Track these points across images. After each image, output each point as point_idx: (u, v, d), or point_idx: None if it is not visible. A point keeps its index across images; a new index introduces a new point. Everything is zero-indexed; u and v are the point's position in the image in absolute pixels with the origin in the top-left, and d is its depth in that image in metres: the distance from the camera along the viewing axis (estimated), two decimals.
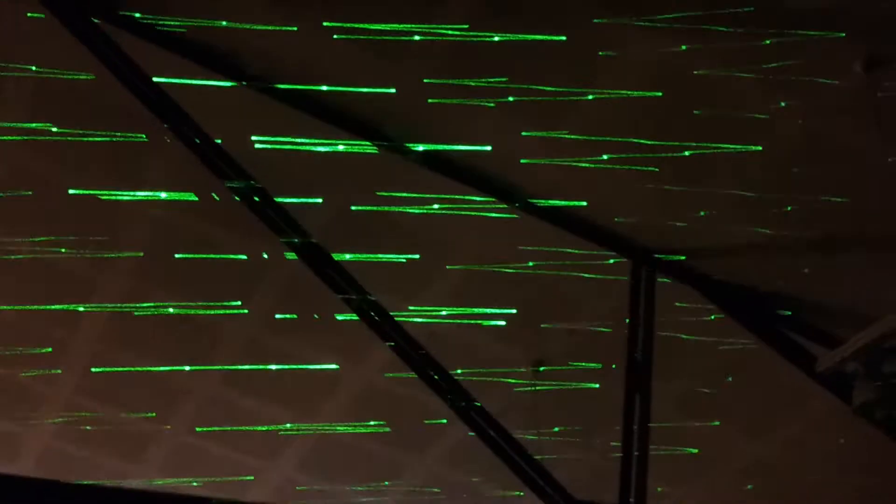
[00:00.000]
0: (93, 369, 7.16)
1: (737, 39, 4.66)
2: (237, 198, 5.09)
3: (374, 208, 5.80)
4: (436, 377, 5.08)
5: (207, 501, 4.17)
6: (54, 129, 5.54)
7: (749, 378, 6.48)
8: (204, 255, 6.24)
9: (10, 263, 6.46)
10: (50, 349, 7.02)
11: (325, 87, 5.23)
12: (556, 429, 6.83)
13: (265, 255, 5.98)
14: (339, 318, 6.04)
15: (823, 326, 6.06)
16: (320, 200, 5.68)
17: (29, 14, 5.04)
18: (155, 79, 5.00)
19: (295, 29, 4.97)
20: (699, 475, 7.33)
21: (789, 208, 5.43)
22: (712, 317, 6.04)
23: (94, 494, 4.11)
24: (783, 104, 4.92)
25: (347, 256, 5.57)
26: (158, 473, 7.92)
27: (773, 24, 4.61)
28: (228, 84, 5.16)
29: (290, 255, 5.47)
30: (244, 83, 5.15)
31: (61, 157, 5.80)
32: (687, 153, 5.22)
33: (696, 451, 7.09)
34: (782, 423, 6.82)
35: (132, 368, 7.10)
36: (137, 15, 5.04)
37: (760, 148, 5.15)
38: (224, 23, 4.97)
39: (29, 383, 7.32)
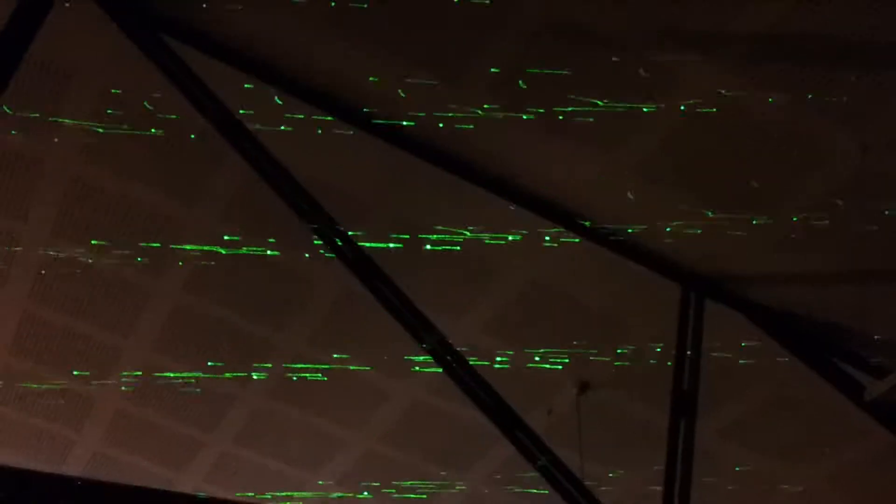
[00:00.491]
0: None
1: (796, 72, 4.68)
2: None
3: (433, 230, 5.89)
4: (482, 395, 5.09)
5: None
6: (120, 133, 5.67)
7: (797, 407, 6.45)
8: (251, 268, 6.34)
9: (68, 272, 6.62)
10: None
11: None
12: (601, 452, 6.82)
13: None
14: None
15: (873, 356, 6.02)
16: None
17: (96, 27, 5.16)
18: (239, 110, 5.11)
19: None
20: None
21: (840, 237, 5.43)
22: (760, 343, 6.02)
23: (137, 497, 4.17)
24: (841, 137, 4.92)
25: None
26: (203, 482, 8.00)
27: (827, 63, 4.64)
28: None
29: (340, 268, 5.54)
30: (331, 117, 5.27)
31: (122, 169, 5.94)
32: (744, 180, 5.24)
33: (740, 480, 7.05)
34: (830, 454, 6.76)
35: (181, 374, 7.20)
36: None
37: (812, 178, 5.16)
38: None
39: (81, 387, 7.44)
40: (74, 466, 7.99)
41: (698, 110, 4.96)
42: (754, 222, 5.44)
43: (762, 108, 4.90)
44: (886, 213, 5.19)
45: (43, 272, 6.65)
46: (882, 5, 4.38)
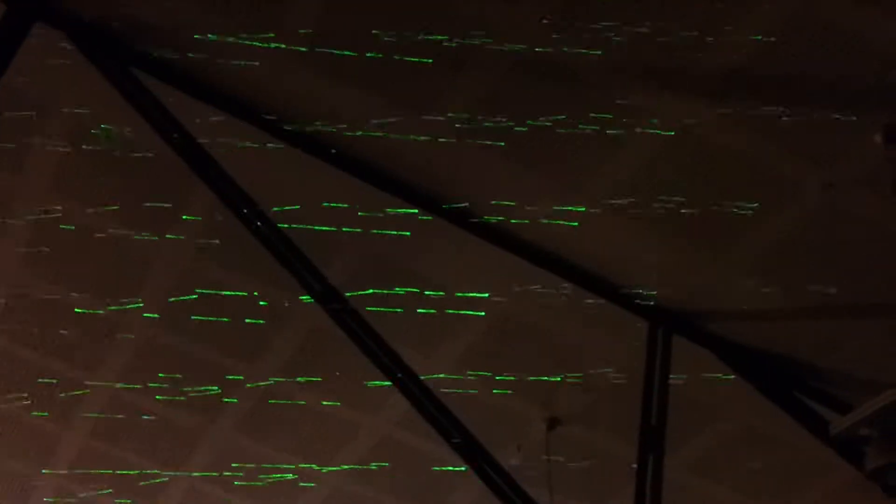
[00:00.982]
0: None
1: (765, 111, 4.76)
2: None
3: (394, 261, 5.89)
4: (451, 430, 5.09)
5: None
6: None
7: (764, 442, 6.47)
8: (222, 302, 6.32)
9: (34, 306, 6.58)
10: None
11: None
12: (570, 487, 6.82)
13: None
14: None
15: (839, 392, 6.07)
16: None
17: (68, 60, 5.17)
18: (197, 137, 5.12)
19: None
20: None
21: (806, 274, 5.48)
22: (727, 378, 6.05)
23: None
24: (807, 173, 4.99)
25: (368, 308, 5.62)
26: None
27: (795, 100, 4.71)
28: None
29: (307, 300, 5.54)
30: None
31: (91, 200, 5.92)
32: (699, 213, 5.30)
33: None
34: (797, 491, 6.79)
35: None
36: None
37: (778, 213, 5.22)
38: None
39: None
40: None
41: (667, 145, 5.01)
42: (721, 257, 5.49)
43: (730, 144, 4.96)
44: (850, 248, 5.25)
45: (6, 304, 6.60)
46: (849, 48, 4.46)
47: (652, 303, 5.88)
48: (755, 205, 5.20)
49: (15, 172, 5.83)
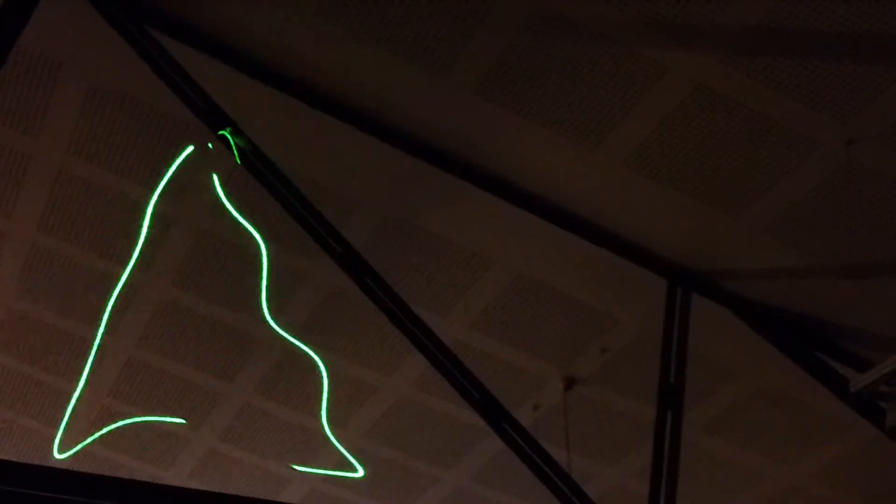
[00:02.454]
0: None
1: (784, 66, 4.70)
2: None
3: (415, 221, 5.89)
4: (470, 390, 5.09)
5: (245, 500, 4.22)
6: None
7: (782, 401, 6.48)
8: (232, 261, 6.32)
9: (54, 269, 6.60)
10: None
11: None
12: (587, 446, 6.85)
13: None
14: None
15: (858, 350, 6.07)
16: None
17: (81, 19, 5.15)
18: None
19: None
20: (728, 498, 7.32)
21: (826, 232, 5.46)
22: (746, 338, 6.05)
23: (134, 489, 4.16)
24: (827, 130, 4.96)
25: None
26: (188, 480, 7.98)
27: (815, 55, 4.66)
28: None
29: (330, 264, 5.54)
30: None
31: (108, 164, 5.92)
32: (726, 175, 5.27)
33: (726, 473, 7.09)
34: (815, 448, 6.80)
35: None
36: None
37: (798, 171, 5.19)
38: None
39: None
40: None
41: (685, 102, 4.97)
42: (740, 216, 5.46)
43: (749, 101, 4.92)
44: (871, 206, 5.22)
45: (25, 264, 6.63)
46: (870, 1, 4.41)
47: (671, 261, 5.86)
48: (775, 163, 5.17)
49: (32, 134, 5.81)
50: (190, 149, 5.33)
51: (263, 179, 5.14)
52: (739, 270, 5.88)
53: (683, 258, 5.84)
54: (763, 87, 4.83)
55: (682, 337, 5.80)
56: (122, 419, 7.68)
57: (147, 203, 5.68)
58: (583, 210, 5.73)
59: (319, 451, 7.57)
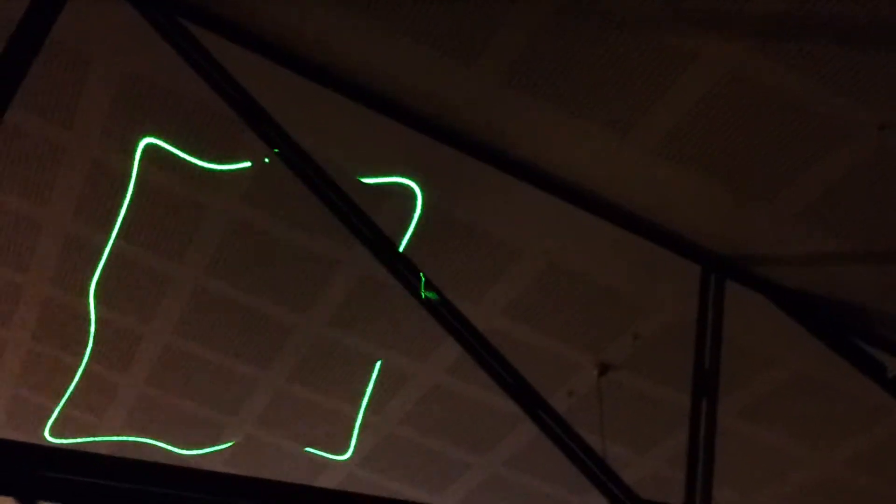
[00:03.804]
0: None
1: (815, 51, 4.66)
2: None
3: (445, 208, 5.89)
4: (504, 376, 5.10)
5: (278, 484, 4.24)
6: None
7: (817, 388, 6.44)
8: (271, 251, 6.36)
9: (88, 254, 6.66)
10: None
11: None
12: (622, 433, 6.84)
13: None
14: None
15: (895, 335, 6.01)
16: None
17: (112, 10, 5.18)
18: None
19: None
20: (763, 485, 7.29)
21: (860, 217, 5.41)
22: (781, 324, 6.01)
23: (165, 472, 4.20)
24: (860, 115, 4.90)
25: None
26: (224, 466, 8.05)
27: (847, 39, 4.61)
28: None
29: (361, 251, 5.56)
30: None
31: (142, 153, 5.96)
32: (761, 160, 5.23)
33: (760, 460, 7.06)
34: (852, 435, 6.76)
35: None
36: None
37: (831, 156, 5.14)
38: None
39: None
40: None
41: (716, 87, 4.94)
42: (773, 201, 5.42)
43: (782, 87, 4.88)
44: None
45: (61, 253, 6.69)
46: None
47: (704, 248, 5.83)
48: (809, 148, 5.12)
49: (65, 126, 5.87)
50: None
51: (297, 169, 5.15)
52: (773, 256, 5.84)
53: (716, 244, 5.81)
54: (793, 73, 4.78)
55: (717, 323, 5.77)
56: (159, 407, 7.77)
57: (183, 192, 5.73)
58: (614, 196, 5.71)
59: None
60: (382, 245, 5.19)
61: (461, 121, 5.47)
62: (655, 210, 5.73)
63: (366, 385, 7.09)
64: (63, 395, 7.65)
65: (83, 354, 7.23)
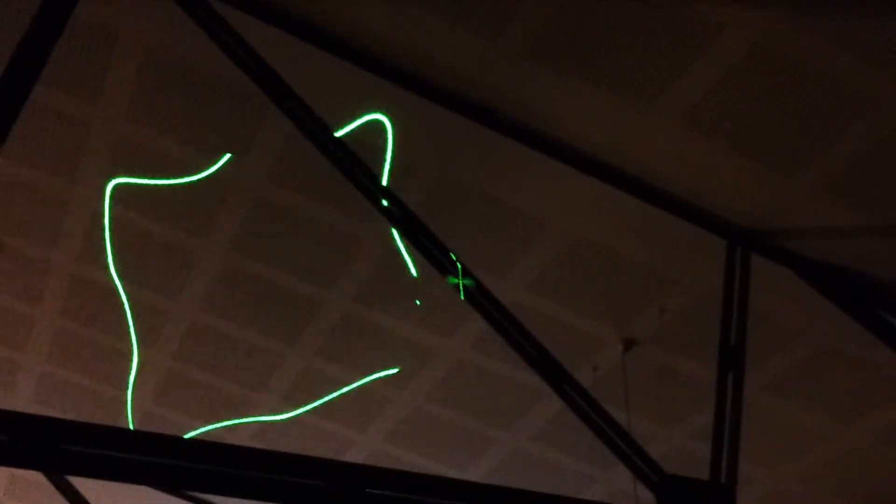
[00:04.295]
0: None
1: (842, 23, 4.62)
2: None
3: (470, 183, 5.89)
4: (530, 351, 5.10)
5: (307, 458, 4.27)
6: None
7: (844, 361, 6.42)
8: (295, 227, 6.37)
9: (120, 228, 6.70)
10: None
11: None
12: (647, 408, 6.84)
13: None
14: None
15: None
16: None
17: None
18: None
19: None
20: (789, 459, 7.28)
21: (887, 189, 5.37)
22: (807, 297, 5.98)
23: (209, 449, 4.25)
24: (887, 84, 4.85)
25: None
26: (251, 441, 8.11)
27: (873, 8, 4.56)
28: None
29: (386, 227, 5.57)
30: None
31: (166, 129, 5.98)
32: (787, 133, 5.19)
33: (786, 434, 7.04)
34: (878, 409, 6.73)
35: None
36: None
37: (857, 127, 5.09)
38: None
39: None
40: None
41: (742, 58, 4.90)
42: (799, 174, 5.39)
43: (808, 58, 4.84)
44: None
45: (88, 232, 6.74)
46: None
47: (729, 221, 5.81)
48: (835, 119, 5.08)
49: (90, 103, 5.89)
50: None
51: (320, 145, 5.16)
52: (799, 230, 5.81)
53: (742, 218, 5.78)
54: (821, 44, 4.74)
55: (743, 297, 5.75)
56: (188, 382, 7.82)
57: (205, 169, 5.76)
58: (639, 170, 5.69)
59: (381, 414, 7.67)
60: (408, 221, 5.19)
61: (485, 95, 5.46)
62: (681, 184, 5.70)
63: (393, 362, 7.13)
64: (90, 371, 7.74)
65: (118, 334, 7.29)
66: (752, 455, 6.13)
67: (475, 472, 7.94)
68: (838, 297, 6.00)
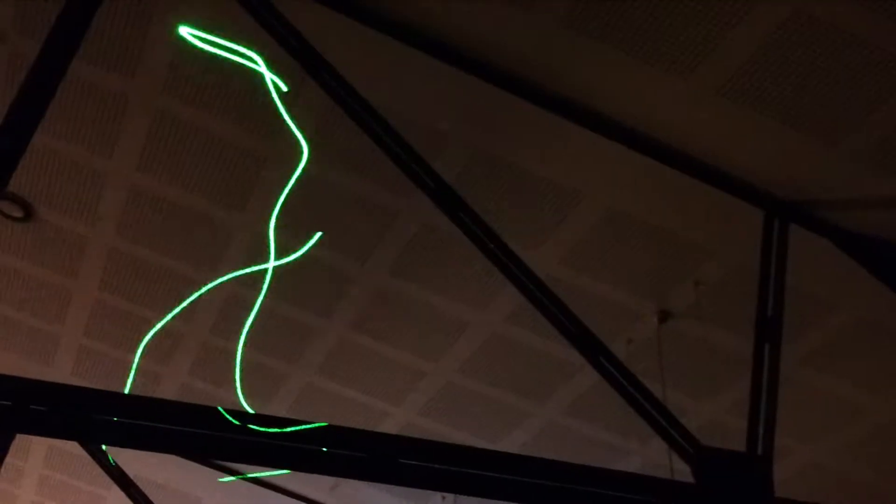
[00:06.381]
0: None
1: None
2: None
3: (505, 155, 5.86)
4: (565, 323, 5.08)
5: (343, 430, 4.31)
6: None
7: (884, 334, 6.36)
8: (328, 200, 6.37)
9: (151, 206, 6.74)
10: None
11: None
12: (683, 380, 6.80)
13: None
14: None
15: None
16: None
17: None
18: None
19: None
20: (827, 433, 7.23)
21: None
22: (846, 269, 5.92)
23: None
24: None
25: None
26: (286, 413, 8.16)
27: None
28: None
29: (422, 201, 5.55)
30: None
31: (203, 101, 6.00)
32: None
33: (823, 407, 7.00)
34: None
35: None
36: None
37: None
38: None
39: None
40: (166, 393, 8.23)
41: (782, 28, 4.84)
42: (839, 144, 5.32)
43: (848, 26, 4.77)
44: None
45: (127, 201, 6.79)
46: None
47: (767, 192, 5.75)
48: (875, 89, 5.01)
49: (128, 74, 5.92)
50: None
51: (356, 116, 5.15)
52: (839, 200, 5.75)
53: (780, 189, 5.73)
54: (862, 11, 4.67)
55: (780, 269, 5.69)
56: (223, 357, 7.86)
57: (241, 142, 5.75)
58: (675, 141, 5.64)
59: (414, 388, 7.69)
60: (444, 194, 5.18)
61: (519, 66, 5.43)
62: (718, 154, 5.65)
63: (428, 335, 7.12)
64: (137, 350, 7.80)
65: (153, 307, 7.34)
66: (788, 428, 6.07)
67: (509, 446, 7.93)
68: (878, 269, 5.92)
